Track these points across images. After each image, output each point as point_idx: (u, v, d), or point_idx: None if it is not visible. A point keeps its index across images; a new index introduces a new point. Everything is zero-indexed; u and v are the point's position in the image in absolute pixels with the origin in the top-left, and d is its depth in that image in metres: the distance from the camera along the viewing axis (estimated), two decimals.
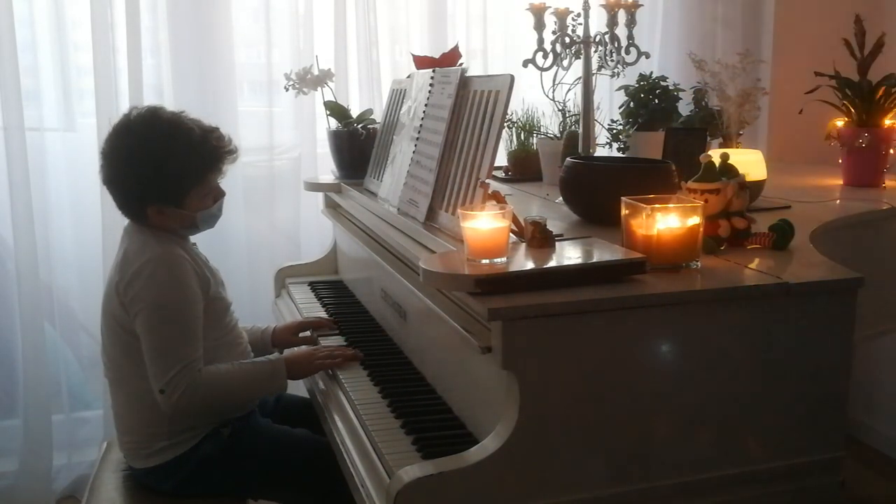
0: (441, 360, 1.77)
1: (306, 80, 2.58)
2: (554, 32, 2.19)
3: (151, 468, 1.88)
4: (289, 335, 2.21)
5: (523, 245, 1.50)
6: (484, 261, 1.38)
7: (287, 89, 2.61)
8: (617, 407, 1.37)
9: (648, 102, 2.58)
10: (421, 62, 2.41)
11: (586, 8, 2.19)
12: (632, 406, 1.37)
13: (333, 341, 2.15)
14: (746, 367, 1.43)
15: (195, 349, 1.80)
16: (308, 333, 2.23)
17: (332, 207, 2.72)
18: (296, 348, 2.13)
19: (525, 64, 2.20)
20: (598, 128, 2.49)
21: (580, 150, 2.22)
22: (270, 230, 3.05)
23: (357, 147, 2.53)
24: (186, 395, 1.76)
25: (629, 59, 2.17)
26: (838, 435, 1.51)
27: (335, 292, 2.59)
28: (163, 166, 1.82)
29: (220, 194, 1.95)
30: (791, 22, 3.35)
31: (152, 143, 1.82)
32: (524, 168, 2.68)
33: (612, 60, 2.19)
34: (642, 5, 2.28)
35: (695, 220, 1.45)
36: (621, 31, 2.18)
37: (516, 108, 2.73)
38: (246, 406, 1.98)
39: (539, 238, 1.48)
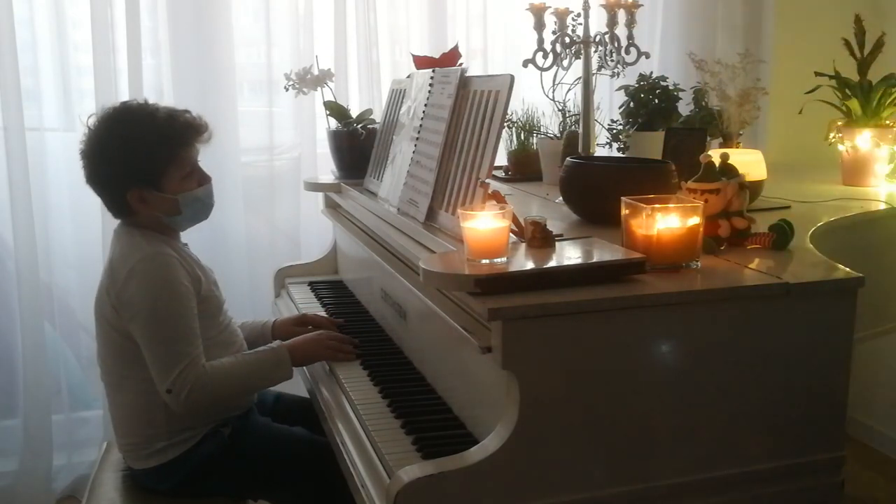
0: (441, 360, 1.77)
1: (306, 80, 2.58)
2: (554, 32, 2.19)
3: (151, 468, 1.88)
4: (290, 328, 2.21)
5: (523, 245, 1.50)
6: (484, 261, 1.38)
7: (287, 89, 2.61)
8: (617, 407, 1.37)
9: (648, 102, 2.57)
10: (421, 62, 2.41)
11: (586, 8, 2.19)
12: (632, 406, 1.37)
13: None
14: (746, 367, 1.43)
15: (195, 345, 1.80)
16: (310, 328, 2.22)
17: (332, 207, 2.72)
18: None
19: (525, 64, 2.19)
20: (598, 128, 2.49)
21: (580, 150, 2.21)
22: (270, 230, 3.05)
23: (357, 147, 2.53)
24: (195, 392, 1.76)
25: (629, 59, 2.17)
26: (838, 435, 1.51)
27: (335, 292, 2.59)
28: (130, 146, 1.83)
29: (204, 179, 1.94)
30: (791, 22, 3.35)
31: (119, 129, 1.85)
32: (524, 168, 2.68)
33: (612, 60, 2.19)
34: (642, 5, 2.28)
35: (695, 220, 1.45)
36: (621, 31, 2.17)
37: (516, 108, 2.72)
38: (251, 398, 1.98)
39: (539, 238, 1.48)
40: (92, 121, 1.88)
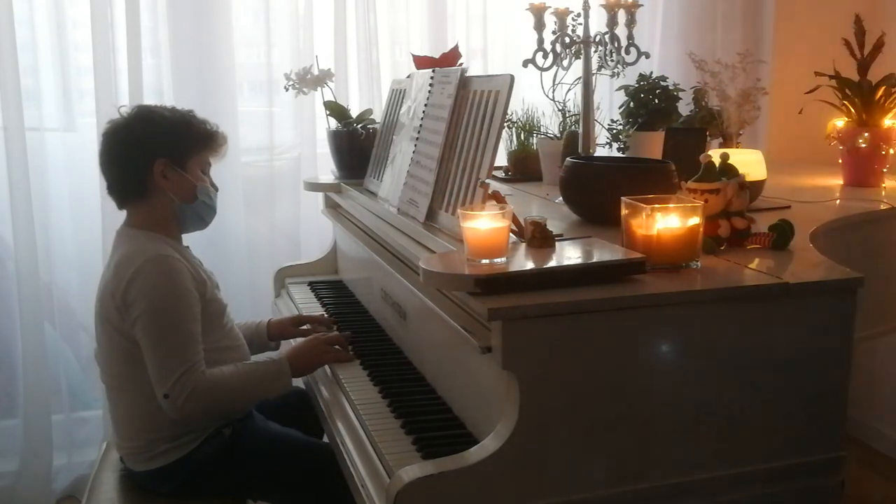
0: (441, 360, 1.77)
1: (306, 80, 2.58)
2: (554, 32, 2.19)
3: (152, 470, 1.88)
4: (286, 327, 2.21)
5: (523, 245, 1.50)
6: (484, 261, 1.38)
7: (287, 89, 2.61)
8: (617, 407, 1.37)
9: (648, 102, 2.57)
10: (421, 62, 2.41)
11: (586, 8, 2.19)
12: (631, 406, 1.37)
13: None
14: (746, 366, 1.43)
15: (196, 352, 1.79)
16: (307, 328, 2.23)
17: (332, 207, 2.72)
18: (296, 342, 2.10)
19: (525, 64, 2.20)
20: (598, 128, 2.49)
21: (580, 150, 2.22)
22: (270, 230, 3.05)
23: (357, 147, 2.53)
24: (192, 399, 1.75)
25: (629, 59, 2.17)
26: (838, 435, 1.51)
27: (335, 292, 2.59)
28: (174, 117, 1.90)
29: (215, 185, 1.97)
30: (791, 22, 3.35)
31: (158, 107, 1.94)
32: (524, 168, 2.68)
33: (612, 60, 2.19)
34: (642, 5, 2.28)
35: (695, 220, 1.45)
36: (621, 31, 2.18)
37: (516, 108, 2.72)
38: (249, 407, 1.98)
39: (539, 238, 1.48)
40: (125, 109, 1.93)
